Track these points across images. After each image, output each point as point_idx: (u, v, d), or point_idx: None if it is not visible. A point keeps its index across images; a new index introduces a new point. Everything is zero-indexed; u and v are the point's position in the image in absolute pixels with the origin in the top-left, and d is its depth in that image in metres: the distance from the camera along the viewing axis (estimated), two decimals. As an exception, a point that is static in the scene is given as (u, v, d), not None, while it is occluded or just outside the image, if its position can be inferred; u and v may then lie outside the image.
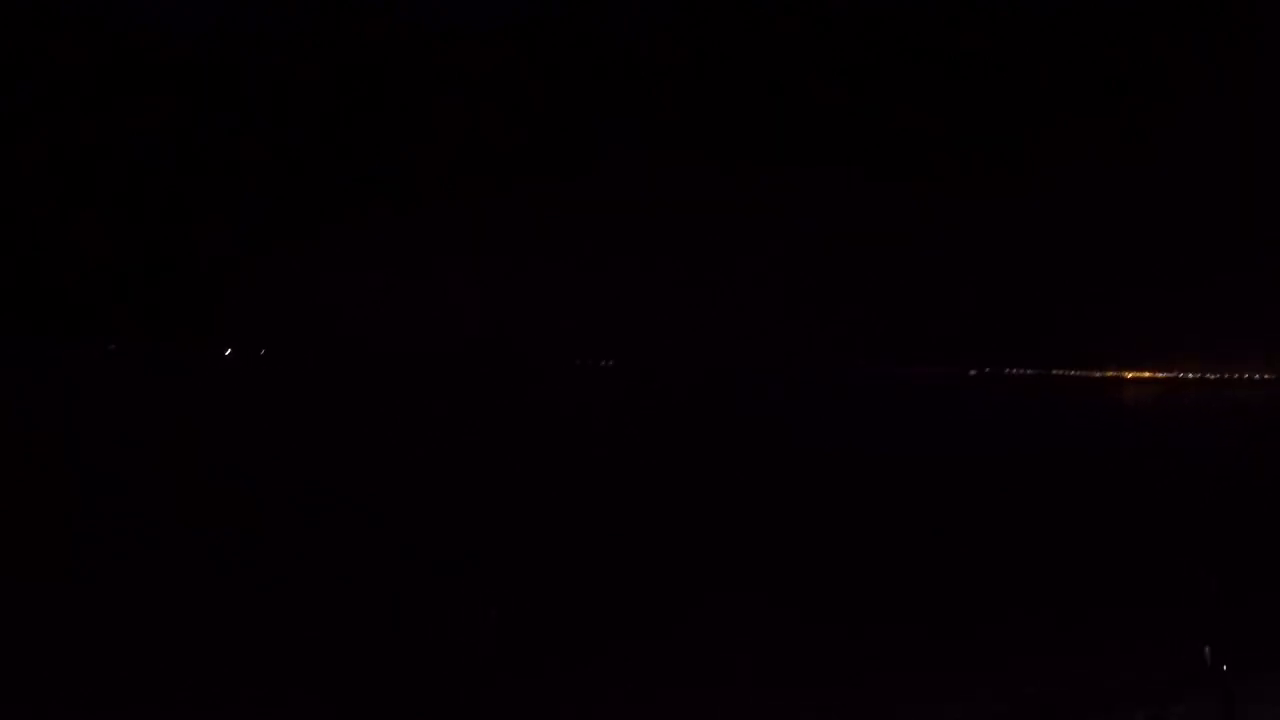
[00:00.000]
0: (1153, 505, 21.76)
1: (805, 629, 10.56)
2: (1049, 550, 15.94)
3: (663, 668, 9.24)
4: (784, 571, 13.83)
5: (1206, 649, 6.95)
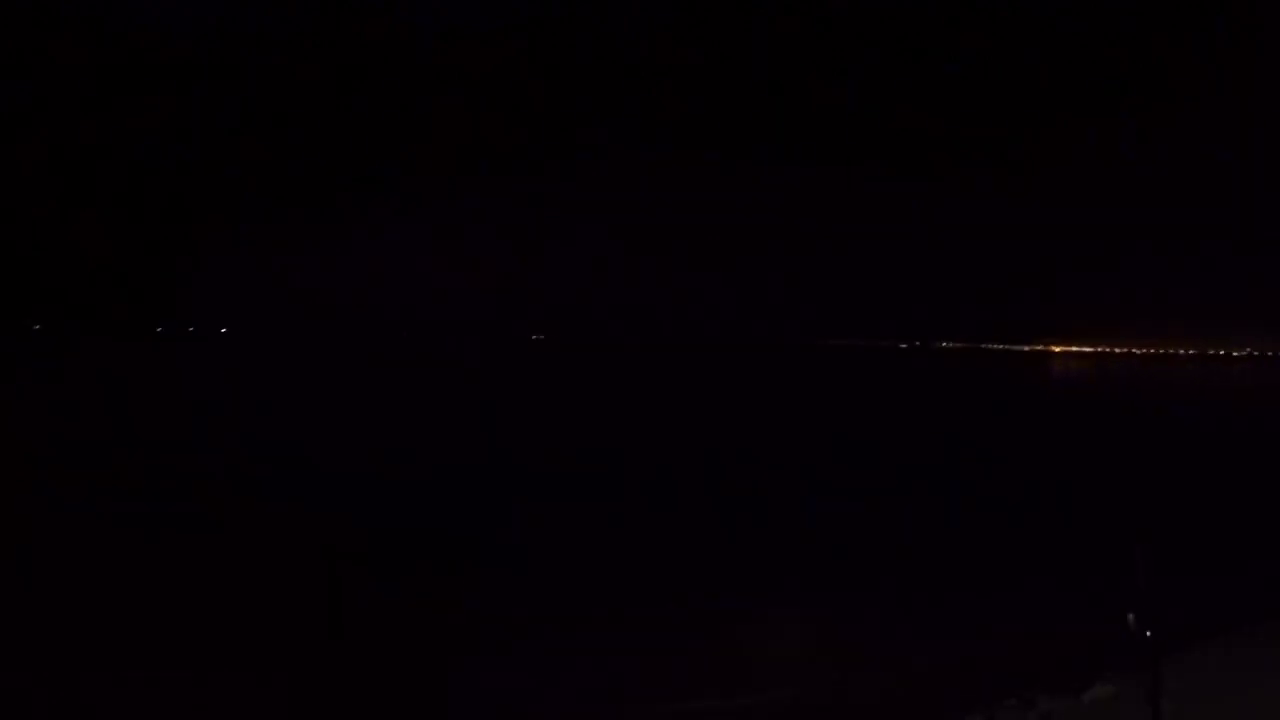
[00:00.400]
0: (1081, 476, 21.64)
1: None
2: (975, 521, 15.70)
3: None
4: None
5: (1131, 616, 6.33)
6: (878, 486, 19.55)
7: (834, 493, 18.76)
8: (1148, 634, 6.84)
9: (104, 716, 7.86)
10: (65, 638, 9.54)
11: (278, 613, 10.54)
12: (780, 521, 15.57)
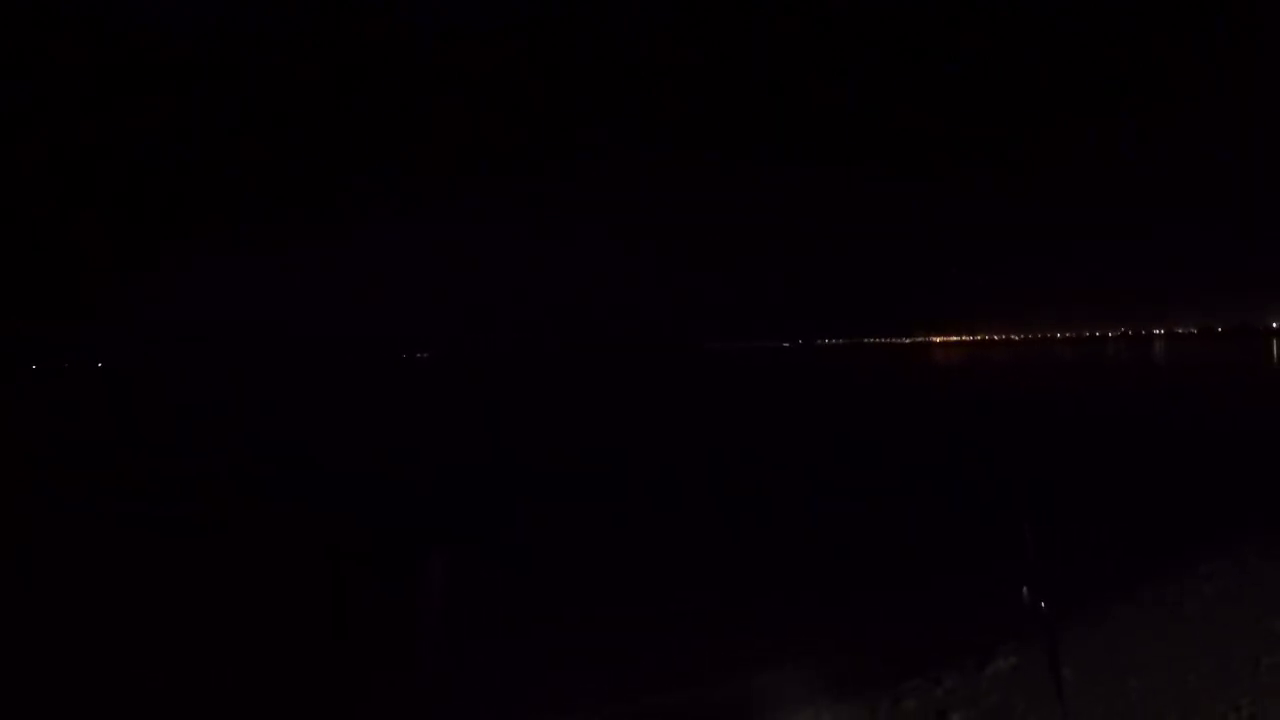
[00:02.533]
0: (968, 462, 21.83)
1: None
2: (867, 511, 15.72)
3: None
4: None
5: (1025, 589, 6.33)
6: (769, 484, 19.63)
7: (729, 491, 18.72)
8: (1042, 605, 6.98)
9: (105, 716, 7.80)
10: (67, 638, 9.52)
11: (280, 613, 10.56)
12: (678, 522, 15.42)
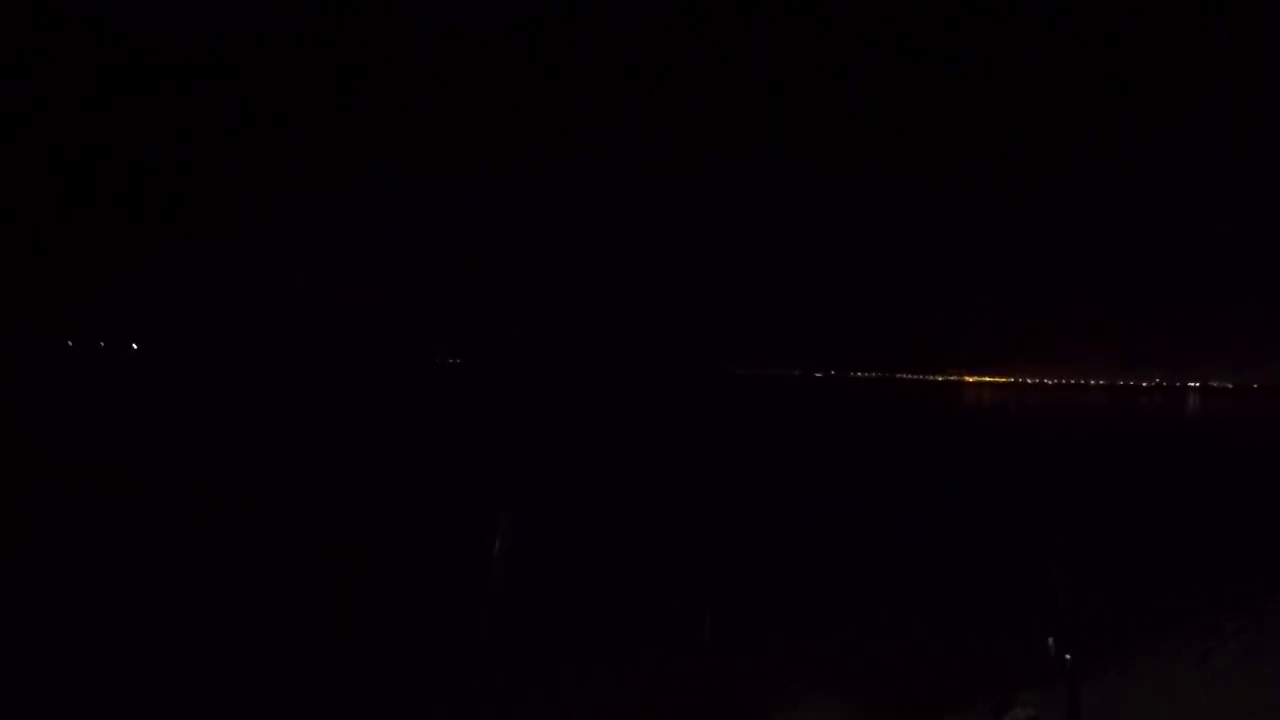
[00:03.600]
0: (998, 503, 21.70)
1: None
2: (895, 547, 15.64)
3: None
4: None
5: (1050, 640, 6.88)
6: (800, 513, 19.45)
7: (759, 519, 18.57)
8: (1066, 657, 6.99)
9: (104, 716, 7.75)
10: (66, 638, 9.46)
11: (281, 613, 10.47)
12: (702, 547, 15.36)
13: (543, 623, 9.92)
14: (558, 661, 8.93)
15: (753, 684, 8.66)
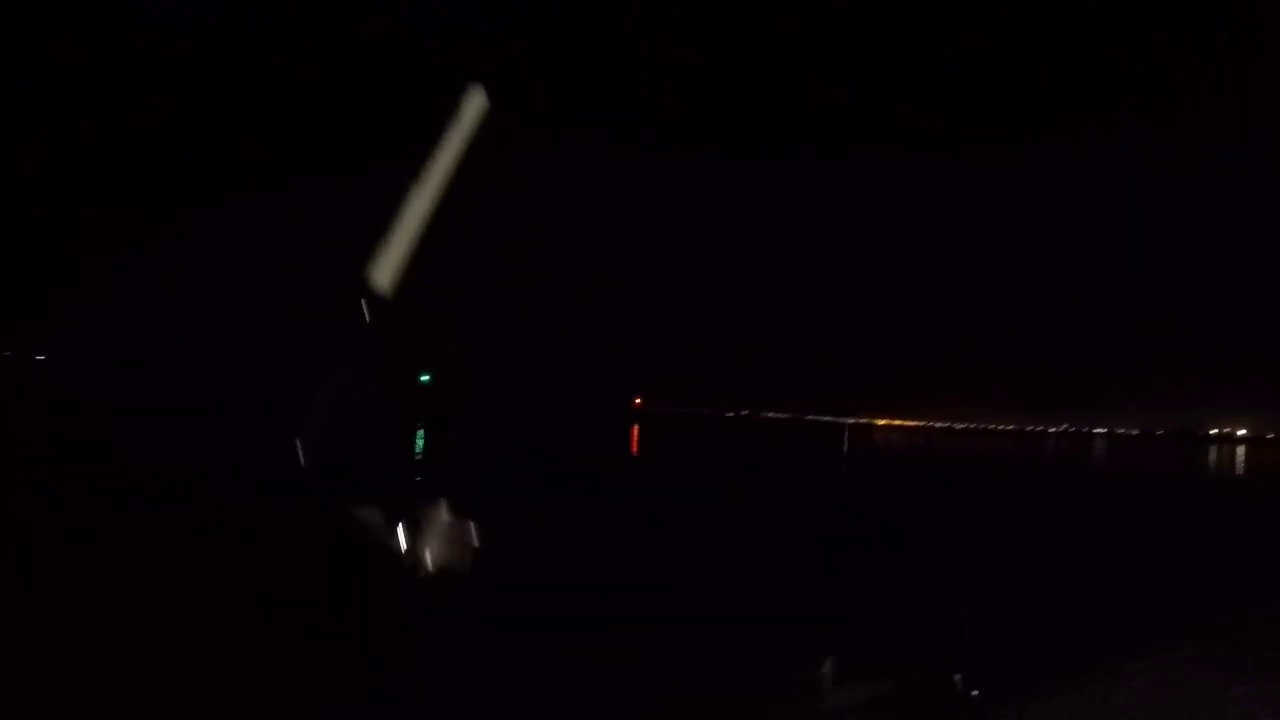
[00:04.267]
0: (905, 542, 22.01)
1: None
2: (805, 586, 15.48)
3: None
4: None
5: (957, 676, 6.84)
6: (709, 550, 19.46)
7: (672, 555, 18.53)
8: (974, 693, 6.92)
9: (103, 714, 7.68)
10: (65, 638, 9.41)
11: (280, 612, 10.48)
12: (600, 588, 15.22)
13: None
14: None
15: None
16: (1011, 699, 8.17)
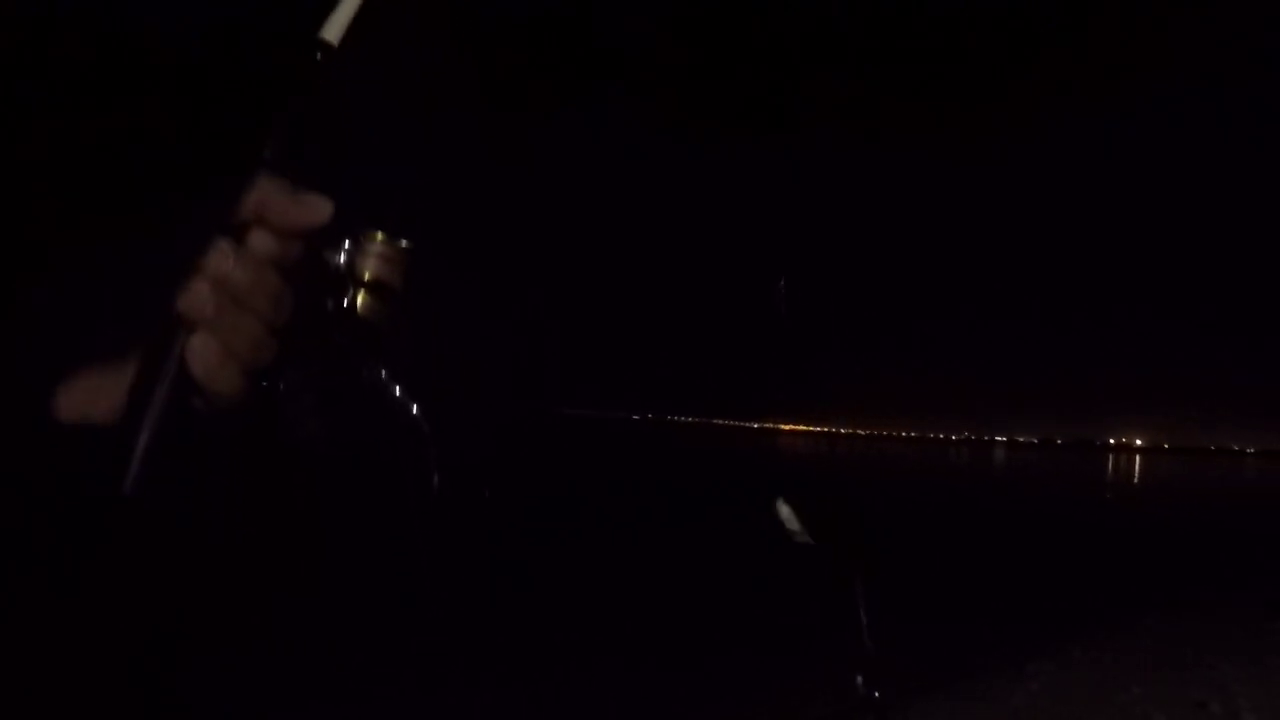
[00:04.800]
0: (808, 547, 21.88)
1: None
2: (708, 588, 15.56)
3: None
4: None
5: (859, 678, 5.33)
6: (609, 556, 19.20)
7: (569, 562, 18.19)
8: (875, 694, 6.66)
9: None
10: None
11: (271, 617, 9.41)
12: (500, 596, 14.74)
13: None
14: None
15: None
16: (913, 701, 8.08)
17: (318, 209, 0.89)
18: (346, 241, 1.00)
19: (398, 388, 1.13)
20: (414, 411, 1.13)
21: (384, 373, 1.09)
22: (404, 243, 1.10)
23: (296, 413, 0.98)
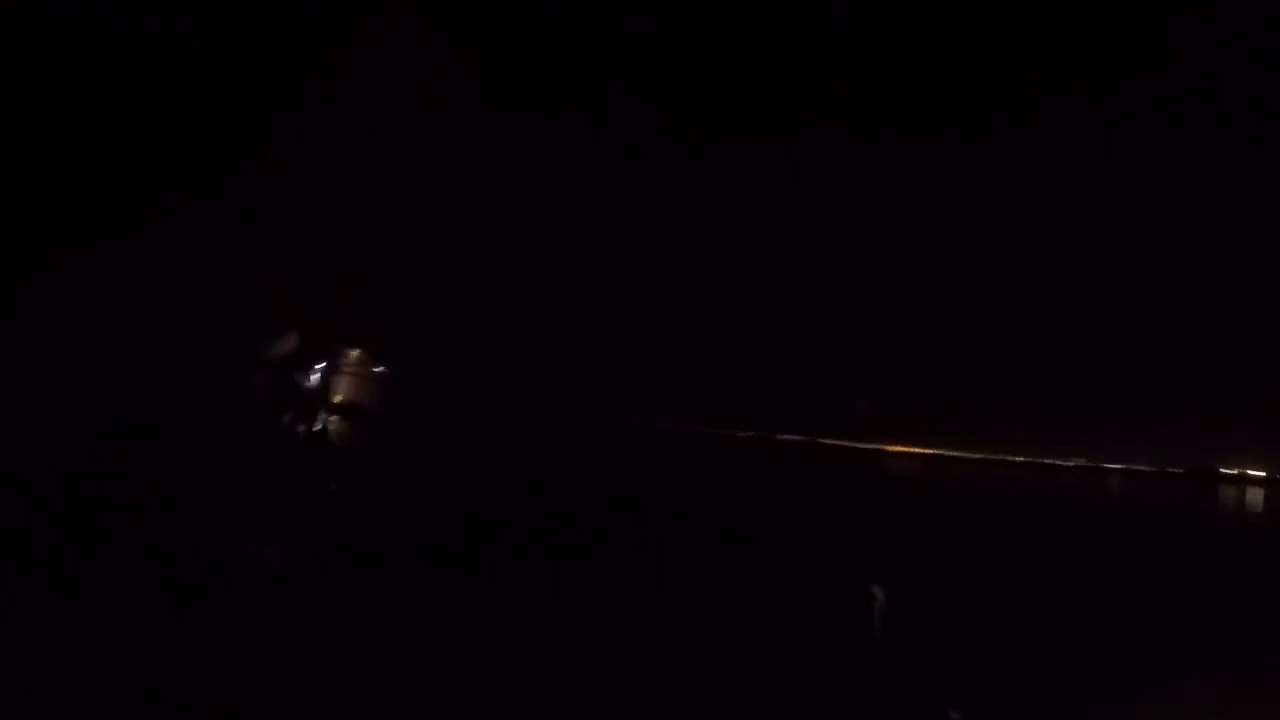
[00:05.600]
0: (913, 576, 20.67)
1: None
2: (808, 620, 14.61)
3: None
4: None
5: (955, 715, 6.63)
6: (711, 579, 18.24)
7: (671, 586, 17.36)
8: None
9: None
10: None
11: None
12: (593, 615, 14.19)
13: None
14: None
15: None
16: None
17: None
18: (321, 362, 1.02)
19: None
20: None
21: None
22: (379, 368, 1.13)
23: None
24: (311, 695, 9.50)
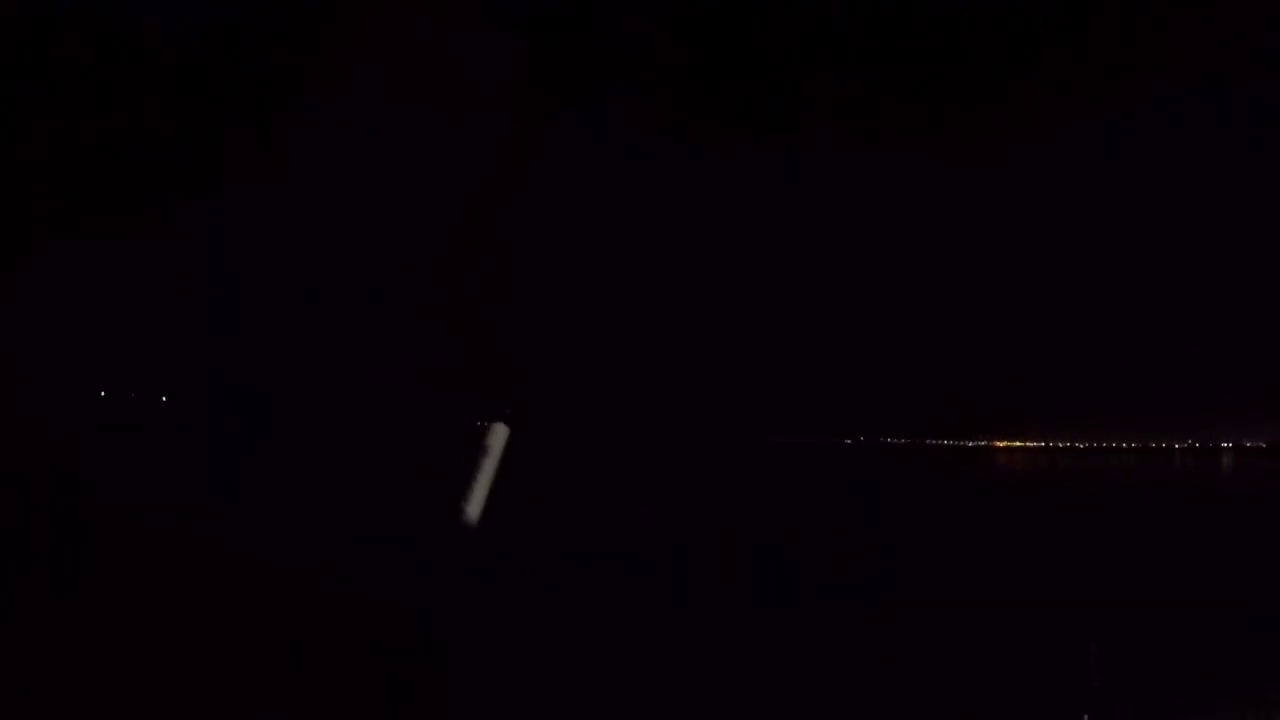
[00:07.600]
0: (1027, 576, 19.77)
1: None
2: (924, 624, 14.26)
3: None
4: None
5: (1085, 717, 6.66)
6: (823, 588, 17.49)
7: (780, 594, 16.59)
8: None
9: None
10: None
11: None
12: (725, 625, 13.62)
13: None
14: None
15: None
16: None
17: None
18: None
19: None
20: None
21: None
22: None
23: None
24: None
